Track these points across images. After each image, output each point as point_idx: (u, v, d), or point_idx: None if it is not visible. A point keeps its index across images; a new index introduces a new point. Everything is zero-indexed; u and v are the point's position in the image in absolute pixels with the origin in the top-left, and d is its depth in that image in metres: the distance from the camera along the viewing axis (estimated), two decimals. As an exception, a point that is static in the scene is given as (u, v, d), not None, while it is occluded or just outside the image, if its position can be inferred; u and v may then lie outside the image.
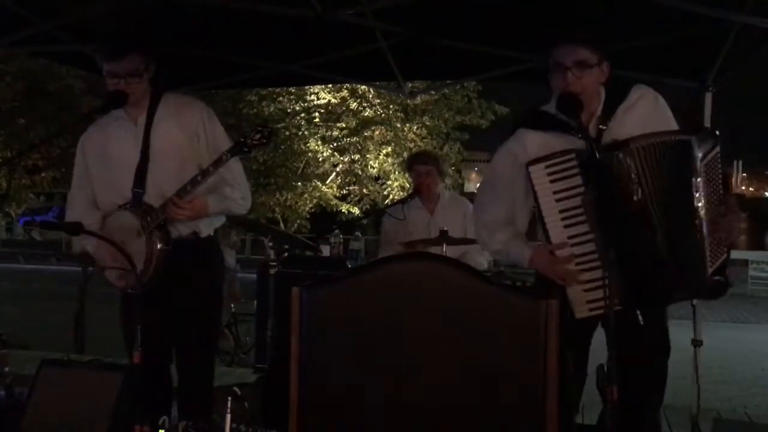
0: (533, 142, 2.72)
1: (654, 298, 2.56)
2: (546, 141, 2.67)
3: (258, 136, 2.97)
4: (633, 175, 2.45)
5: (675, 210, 2.51)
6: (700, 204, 2.51)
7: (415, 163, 4.74)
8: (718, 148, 2.56)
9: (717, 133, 2.60)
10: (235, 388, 2.48)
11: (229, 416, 2.41)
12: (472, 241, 4.54)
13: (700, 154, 2.51)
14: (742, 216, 2.69)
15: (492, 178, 2.90)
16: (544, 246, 2.65)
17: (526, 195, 2.73)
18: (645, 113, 2.69)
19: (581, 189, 2.50)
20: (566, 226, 2.55)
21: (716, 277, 2.58)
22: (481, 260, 4.49)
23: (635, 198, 2.45)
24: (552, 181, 2.55)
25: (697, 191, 2.51)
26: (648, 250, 2.46)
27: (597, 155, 2.43)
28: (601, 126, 2.65)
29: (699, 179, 2.50)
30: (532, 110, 2.82)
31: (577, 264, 2.55)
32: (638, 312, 2.48)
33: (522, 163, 2.67)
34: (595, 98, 2.70)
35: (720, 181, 2.57)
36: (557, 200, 2.55)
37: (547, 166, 2.55)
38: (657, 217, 2.48)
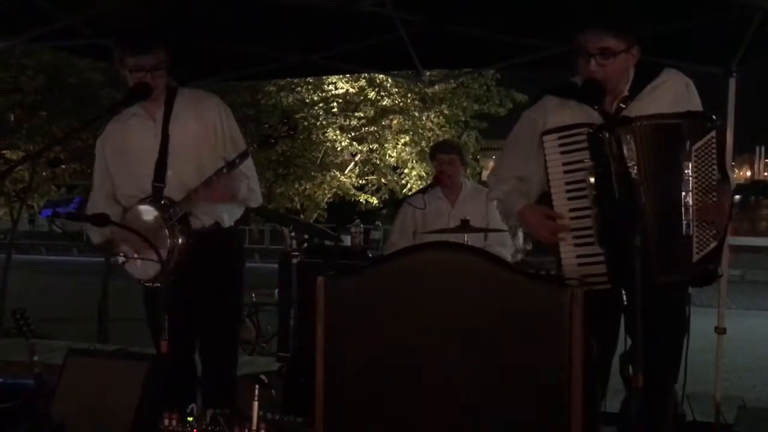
0: (554, 109, 2.76)
1: (635, 279, 2.51)
2: (566, 110, 2.70)
3: (285, 128, 3.07)
4: (631, 154, 2.46)
5: (664, 193, 2.52)
6: (688, 189, 2.50)
7: (437, 152, 4.73)
8: (713, 133, 2.52)
9: (714, 117, 2.56)
10: (262, 376, 2.50)
11: (256, 404, 2.43)
12: (493, 230, 4.54)
13: (690, 139, 2.49)
14: (733, 201, 2.64)
15: (512, 139, 2.96)
16: (540, 207, 2.72)
17: (541, 162, 2.78)
18: (674, 96, 2.69)
19: (589, 163, 2.53)
20: (569, 199, 2.60)
21: (702, 265, 2.55)
22: (503, 252, 4.47)
23: (631, 177, 2.47)
24: (562, 153, 2.59)
25: (686, 177, 2.50)
26: (635, 230, 2.41)
27: (601, 130, 2.48)
28: (621, 104, 2.67)
29: (689, 164, 2.49)
30: (562, 81, 2.86)
31: (574, 237, 2.60)
32: (623, 291, 2.47)
33: (539, 131, 2.74)
34: (623, 81, 2.70)
35: (713, 168, 2.53)
36: (565, 172, 2.60)
37: (560, 137, 2.60)
38: (648, 199, 2.49)
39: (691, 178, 2.49)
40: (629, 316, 2.45)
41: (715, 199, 2.53)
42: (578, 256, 2.60)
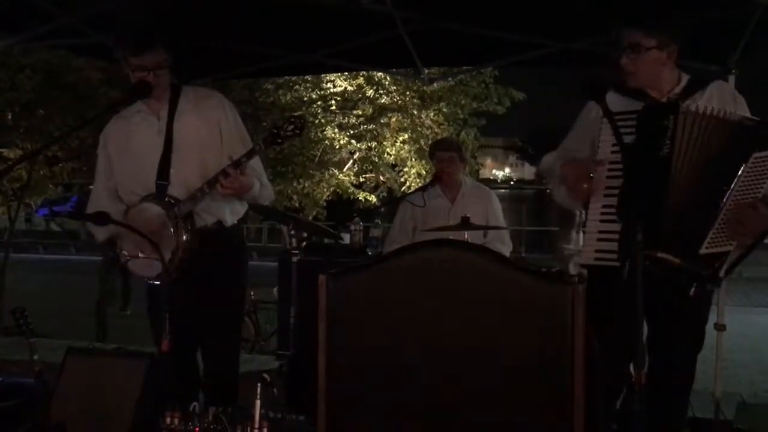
0: (612, 100, 2.78)
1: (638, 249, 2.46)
2: (622, 102, 2.77)
3: (291, 127, 3.03)
4: (668, 131, 2.51)
5: (701, 183, 2.54)
6: (730, 189, 2.51)
7: (437, 150, 4.73)
8: None
9: None
10: (265, 375, 2.50)
11: (258, 402, 2.43)
12: (493, 228, 4.54)
13: (756, 144, 2.51)
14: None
15: (576, 123, 3.10)
16: (585, 160, 2.82)
17: (591, 145, 2.88)
18: (721, 102, 2.75)
19: (632, 136, 2.59)
20: (608, 177, 2.71)
21: (705, 260, 2.55)
22: (502, 249, 4.48)
23: (661, 152, 2.52)
24: (614, 135, 2.63)
25: (734, 177, 2.51)
26: (652, 202, 2.48)
27: (659, 108, 2.57)
28: (680, 102, 2.71)
29: (744, 166, 2.50)
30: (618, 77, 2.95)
31: (602, 213, 2.71)
32: (626, 264, 2.47)
33: (596, 117, 2.84)
34: (666, 79, 2.82)
35: (765, 183, 2.53)
36: (611, 152, 2.71)
37: (616, 120, 2.64)
38: (679, 178, 2.53)
39: (738, 180, 2.51)
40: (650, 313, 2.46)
41: (753, 209, 2.52)
42: (600, 231, 2.71)
